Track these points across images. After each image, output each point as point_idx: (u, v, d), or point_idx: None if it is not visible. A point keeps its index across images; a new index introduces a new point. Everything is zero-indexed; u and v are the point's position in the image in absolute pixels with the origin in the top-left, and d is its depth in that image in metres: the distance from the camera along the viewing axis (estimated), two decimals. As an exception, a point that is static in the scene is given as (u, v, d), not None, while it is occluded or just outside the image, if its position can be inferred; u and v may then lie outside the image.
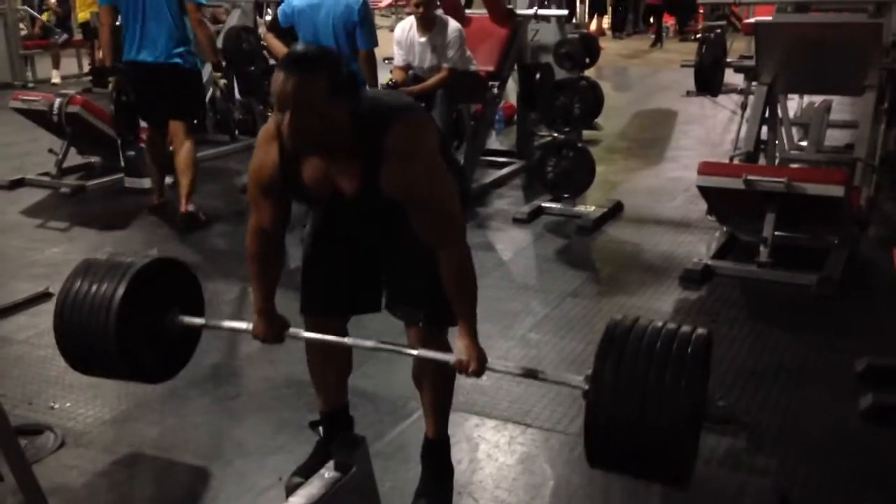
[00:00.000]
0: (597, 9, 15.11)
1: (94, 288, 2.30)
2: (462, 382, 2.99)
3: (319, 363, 2.43)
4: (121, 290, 2.26)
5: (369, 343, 2.23)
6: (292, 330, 2.32)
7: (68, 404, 2.99)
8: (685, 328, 2.00)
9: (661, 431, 1.88)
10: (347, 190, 2.04)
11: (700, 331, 2.00)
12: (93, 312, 2.27)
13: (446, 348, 2.32)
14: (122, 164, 5.72)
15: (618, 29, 15.37)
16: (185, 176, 4.99)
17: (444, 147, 2.23)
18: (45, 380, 3.17)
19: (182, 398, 3.04)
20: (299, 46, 2.07)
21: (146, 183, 5.58)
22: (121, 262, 2.37)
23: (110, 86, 5.02)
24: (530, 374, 2.25)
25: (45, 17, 10.96)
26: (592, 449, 1.99)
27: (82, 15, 10.42)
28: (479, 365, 2.09)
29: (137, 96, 4.97)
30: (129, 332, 2.29)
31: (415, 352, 2.18)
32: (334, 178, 2.04)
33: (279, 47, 4.77)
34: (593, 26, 15.05)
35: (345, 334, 2.38)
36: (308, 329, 2.37)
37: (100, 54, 9.50)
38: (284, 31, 4.73)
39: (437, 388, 2.36)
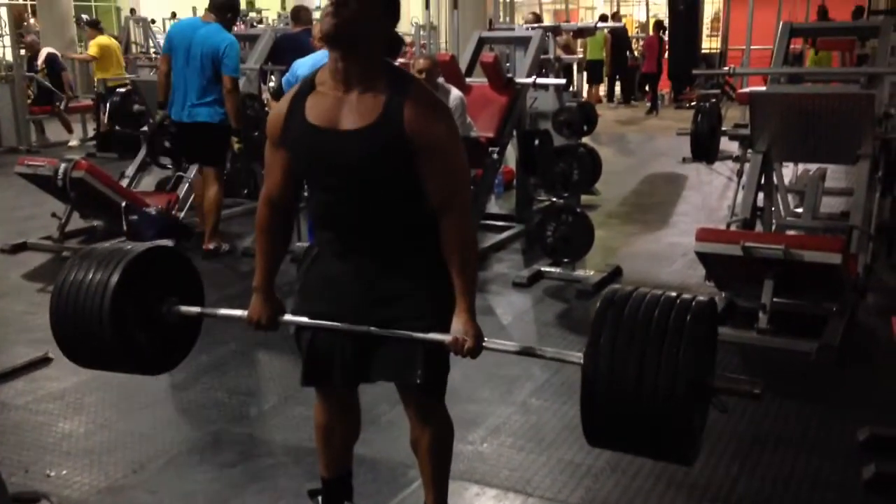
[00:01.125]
0: (593, 78, 15.40)
1: (90, 274, 2.24)
2: (461, 450, 2.98)
3: (326, 426, 2.40)
4: (116, 276, 2.21)
5: (362, 328, 2.12)
6: (287, 316, 2.27)
7: (65, 472, 2.96)
8: (686, 296, 1.92)
9: (659, 404, 1.80)
10: (356, 123, 1.99)
11: (701, 298, 1.92)
12: (88, 298, 2.21)
13: (445, 419, 2.32)
14: (125, 228, 5.75)
15: (608, 98, 15.61)
16: (208, 217, 5.69)
17: None
18: (42, 447, 3.15)
19: (180, 465, 3.01)
20: None
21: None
22: (118, 249, 2.33)
23: (159, 116, 5.74)
24: (527, 351, 2.19)
25: (40, 77, 11.11)
26: (590, 426, 1.93)
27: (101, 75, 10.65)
28: (475, 343, 2.04)
29: (175, 146, 5.89)
30: (124, 319, 2.23)
31: (418, 335, 2.07)
32: (342, 114, 2.01)
33: None
34: (591, 93, 15.34)
35: (356, 403, 2.39)
36: (318, 400, 2.36)
37: (105, 119, 9.69)
38: None
39: (435, 454, 2.33)
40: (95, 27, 11.24)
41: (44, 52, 11.13)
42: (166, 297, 2.33)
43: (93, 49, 10.79)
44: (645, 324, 1.86)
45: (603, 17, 16.49)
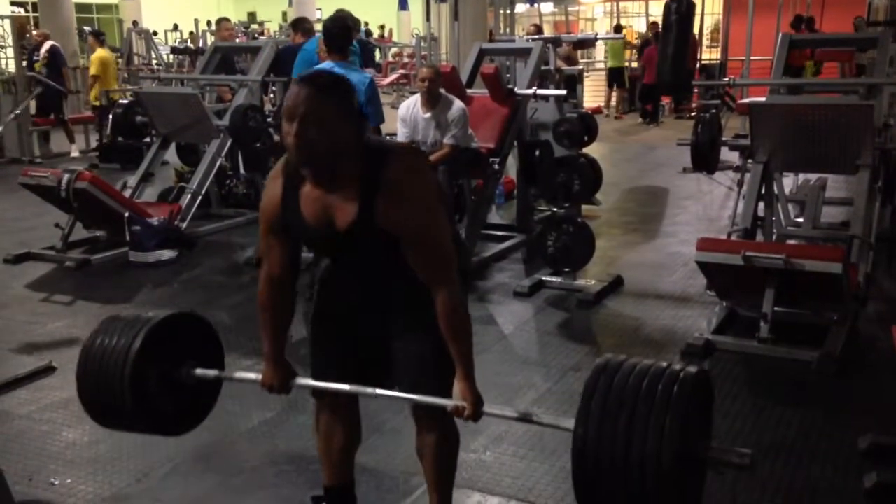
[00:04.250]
0: (616, 84, 15.53)
1: (114, 340, 2.34)
2: (464, 458, 2.99)
3: (326, 432, 2.44)
4: (137, 343, 2.30)
5: (369, 390, 2.22)
6: (299, 380, 2.34)
7: (69, 480, 2.97)
8: (675, 367, 1.94)
9: (646, 476, 1.82)
10: (342, 223, 2.07)
11: (691, 369, 1.94)
12: (111, 364, 2.31)
13: (450, 428, 2.35)
14: (128, 238, 5.79)
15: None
16: None
17: (448, 214, 2.32)
18: (47, 455, 3.16)
19: (184, 475, 3.02)
20: (316, 70, 2.10)
21: (150, 257, 5.72)
22: (140, 317, 2.41)
23: None
24: (524, 417, 2.23)
25: (37, 66, 11.09)
26: (580, 493, 1.95)
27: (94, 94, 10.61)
28: (474, 409, 2.09)
29: None
30: (144, 384, 2.31)
31: (415, 397, 2.16)
32: (331, 211, 2.08)
33: None
34: (613, 101, 15.57)
35: (356, 412, 2.43)
36: (318, 409, 2.41)
37: (108, 131, 9.71)
38: None
39: (439, 461, 2.37)
40: (97, 38, 11.12)
41: (48, 43, 11.10)
42: (185, 361, 2.41)
43: (94, 67, 10.65)
44: (634, 395, 1.89)
45: (618, 28, 16.55)
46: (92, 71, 10.71)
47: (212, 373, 2.43)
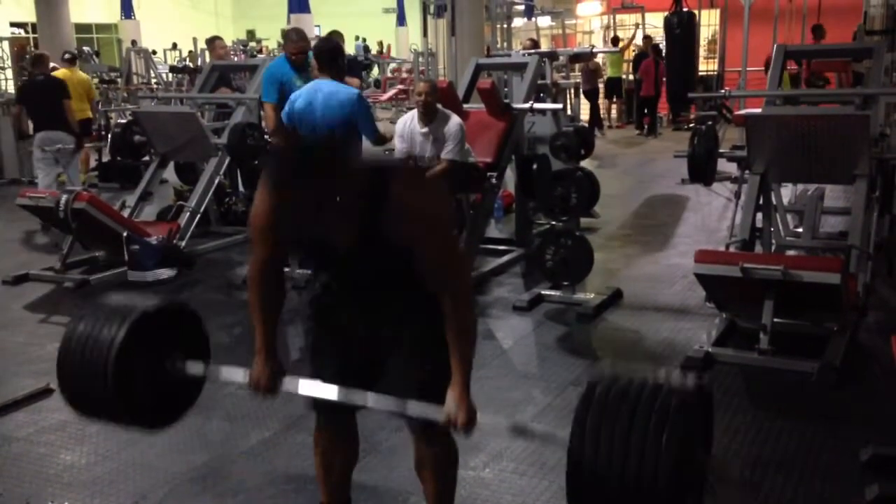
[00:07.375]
0: (614, 94, 15.59)
1: (98, 328, 2.27)
2: (463, 476, 2.98)
3: (326, 451, 2.42)
4: (122, 332, 2.23)
5: (360, 398, 2.15)
6: (288, 380, 2.27)
7: (66, 503, 2.95)
8: (674, 380, 1.90)
9: (643, 494, 1.78)
10: (343, 240, 1.98)
11: (689, 386, 1.89)
12: (94, 352, 2.24)
13: (448, 441, 2.33)
14: (126, 257, 5.78)
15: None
16: None
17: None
18: (45, 478, 3.15)
19: (182, 496, 3.00)
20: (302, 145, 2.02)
21: (149, 276, 5.71)
22: (126, 305, 2.35)
23: None
24: (519, 430, 2.20)
25: None
26: None
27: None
28: (466, 419, 2.03)
29: None
30: (127, 375, 2.25)
31: (412, 405, 2.08)
32: (328, 229, 1.98)
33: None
34: (613, 112, 15.65)
35: (355, 429, 2.42)
36: (317, 427, 2.39)
37: (107, 150, 9.69)
38: (290, 132, 4.88)
39: (439, 477, 2.36)
40: (72, 63, 10.06)
41: (51, 65, 11.08)
42: (171, 352, 2.35)
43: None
44: (631, 409, 1.83)
45: (615, 41, 16.64)
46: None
47: (198, 368, 2.37)
